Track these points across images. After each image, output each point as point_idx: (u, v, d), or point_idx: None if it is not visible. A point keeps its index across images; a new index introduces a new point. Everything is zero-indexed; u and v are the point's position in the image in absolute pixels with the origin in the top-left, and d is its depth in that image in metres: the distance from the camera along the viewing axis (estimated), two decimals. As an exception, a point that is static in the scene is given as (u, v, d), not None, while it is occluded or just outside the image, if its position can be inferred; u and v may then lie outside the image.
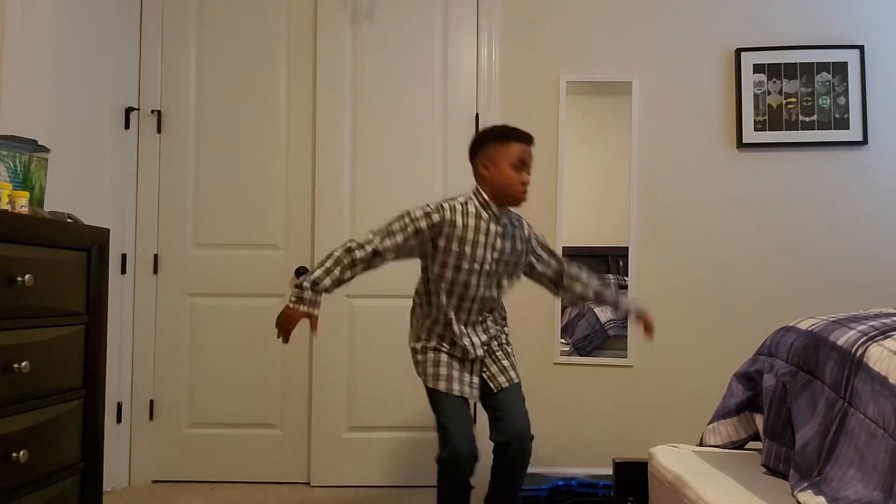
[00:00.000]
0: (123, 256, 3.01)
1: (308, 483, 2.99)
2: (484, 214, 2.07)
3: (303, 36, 3.09)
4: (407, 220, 2.04)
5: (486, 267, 2.06)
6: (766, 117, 3.01)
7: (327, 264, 2.00)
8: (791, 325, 1.90)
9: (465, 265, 2.04)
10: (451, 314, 2.07)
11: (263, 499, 2.83)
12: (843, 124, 2.99)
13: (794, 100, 3.01)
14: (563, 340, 3.03)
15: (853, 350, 1.52)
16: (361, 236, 2.05)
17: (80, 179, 2.71)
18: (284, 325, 2.02)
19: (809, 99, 3.01)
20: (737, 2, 3.06)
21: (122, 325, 2.98)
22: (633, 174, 3.03)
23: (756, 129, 3.01)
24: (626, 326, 3.01)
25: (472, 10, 3.07)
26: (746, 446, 1.97)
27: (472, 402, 2.13)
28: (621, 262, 3.06)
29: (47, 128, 2.43)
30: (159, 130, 3.09)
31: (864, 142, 2.99)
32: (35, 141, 2.13)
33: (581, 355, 3.02)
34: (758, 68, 3.02)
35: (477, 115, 3.05)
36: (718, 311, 3.00)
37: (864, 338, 1.52)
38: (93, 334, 1.92)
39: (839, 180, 3.01)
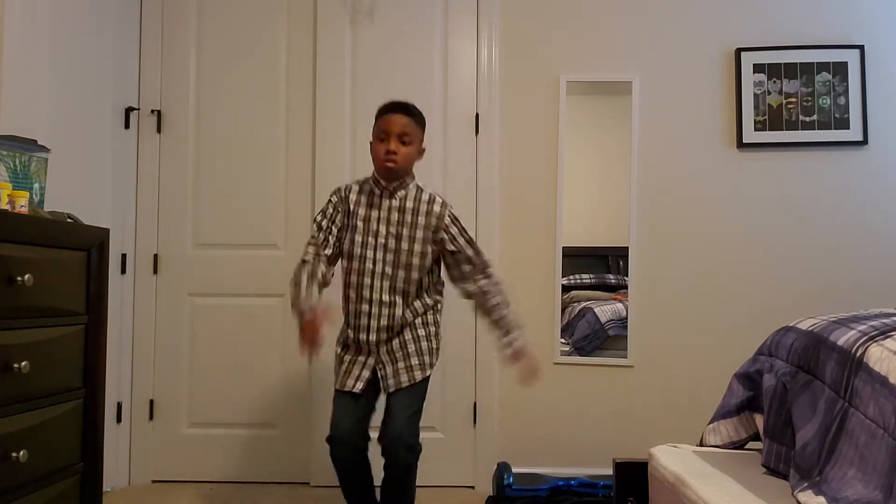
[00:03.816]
0: (123, 256, 3.01)
1: (308, 483, 2.99)
2: (376, 190, 2.16)
3: (303, 36, 3.09)
4: (322, 211, 2.21)
5: (381, 240, 2.12)
6: (766, 117, 3.01)
7: (294, 281, 2.12)
8: (791, 325, 1.90)
9: (360, 238, 2.13)
10: (353, 293, 2.15)
11: (263, 499, 2.83)
12: (843, 124, 2.99)
13: (794, 100, 3.01)
14: (563, 340, 3.03)
15: (853, 350, 1.52)
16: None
17: (80, 179, 2.70)
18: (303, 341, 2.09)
19: (809, 99, 3.01)
20: (737, 2, 3.06)
21: (122, 325, 2.98)
22: (633, 174, 3.03)
23: (756, 129, 3.01)
24: (625, 326, 3.01)
25: (471, 10, 3.07)
26: (746, 446, 1.97)
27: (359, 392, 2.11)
28: (621, 262, 3.06)
29: (47, 128, 2.43)
30: (159, 130, 3.09)
31: (864, 142, 2.99)
32: (35, 141, 2.13)
33: (581, 355, 3.02)
34: (758, 68, 3.02)
35: (477, 115, 3.05)
36: (718, 311, 3.00)
37: (865, 338, 1.52)
38: (93, 334, 1.92)
39: (839, 180, 3.01)
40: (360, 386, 2.11)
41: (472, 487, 2.98)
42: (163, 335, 3.06)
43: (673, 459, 1.81)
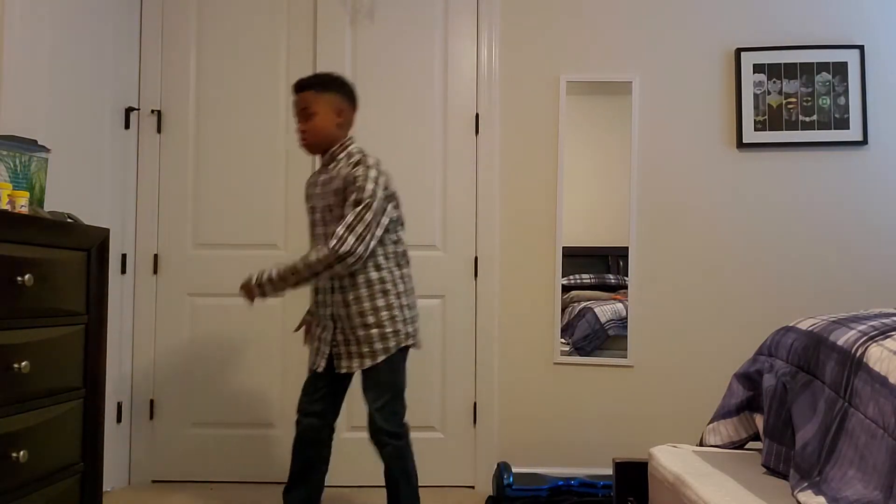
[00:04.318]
0: (123, 256, 3.01)
1: (308, 483, 2.99)
2: (319, 167, 2.25)
3: (303, 36, 3.09)
4: None
5: (317, 216, 2.18)
6: (766, 117, 3.01)
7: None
8: (791, 325, 1.90)
9: (309, 218, 2.23)
10: None
11: (263, 499, 2.83)
12: (843, 124, 2.99)
13: (794, 100, 3.01)
14: (563, 340, 3.03)
15: (853, 350, 1.52)
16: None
17: (80, 179, 2.71)
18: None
19: (809, 99, 3.01)
20: (737, 2, 3.06)
21: (122, 325, 2.98)
22: (633, 174, 3.03)
23: (756, 129, 3.01)
24: (625, 326, 3.01)
25: (471, 10, 3.07)
26: (746, 446, 1.97)
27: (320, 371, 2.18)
28: (621, 262, 3.06)
29: (47, 128, 2.43)
30: (159, 130, 3.09)
31: (864, 142, 2.99)
32: (35, 141, 2.13)
33: (581, 355, 3.02)
34: (758, 68, 3.02)
35: (477, 115, 3.05)
36: (718, 311, 3.00)
37: (864, 338, 1.52)
38: (93, 334, 1.92)
39: (839, 180, 3.01)
40: (322, 364, 2.17)
41: (472, 487, 2.98)
42: (163, 335, 3.06)
43: (673, 459, 1.81)
